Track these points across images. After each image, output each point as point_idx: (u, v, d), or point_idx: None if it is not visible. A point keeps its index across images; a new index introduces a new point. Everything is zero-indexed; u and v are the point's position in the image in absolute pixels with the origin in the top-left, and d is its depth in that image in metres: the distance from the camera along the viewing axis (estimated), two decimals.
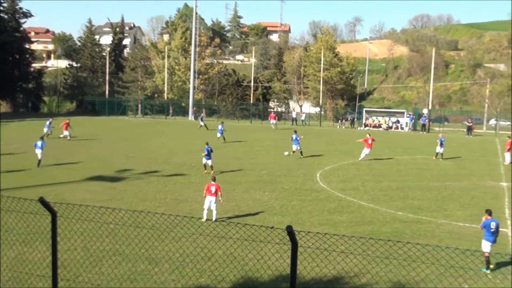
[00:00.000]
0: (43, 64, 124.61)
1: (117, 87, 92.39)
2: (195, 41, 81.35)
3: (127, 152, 38.78)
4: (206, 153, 29.96)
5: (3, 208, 13.94)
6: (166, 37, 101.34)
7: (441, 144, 38.45)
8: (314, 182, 28.27)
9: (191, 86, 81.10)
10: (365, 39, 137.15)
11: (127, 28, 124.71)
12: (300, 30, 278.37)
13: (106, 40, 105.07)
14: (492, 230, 14.85)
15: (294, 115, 77.82)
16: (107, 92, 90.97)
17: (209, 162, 30.00)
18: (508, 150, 37.44)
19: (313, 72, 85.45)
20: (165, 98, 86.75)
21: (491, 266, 14.62)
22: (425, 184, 28.62)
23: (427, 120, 68.28)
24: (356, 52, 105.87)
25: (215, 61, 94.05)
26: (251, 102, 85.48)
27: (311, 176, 29.96)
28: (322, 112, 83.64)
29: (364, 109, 77.07)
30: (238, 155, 38.78)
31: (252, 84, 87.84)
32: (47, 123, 47.67)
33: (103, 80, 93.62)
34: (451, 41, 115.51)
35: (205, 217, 18.89)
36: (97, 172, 29.77)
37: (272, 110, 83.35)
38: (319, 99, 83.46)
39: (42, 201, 7.86)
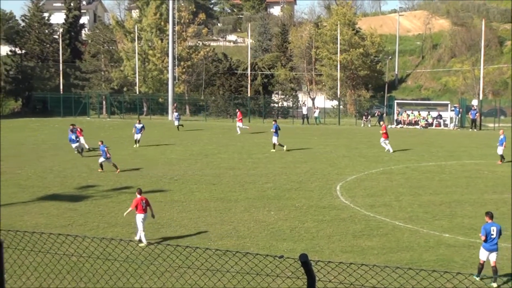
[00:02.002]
0: None
1: (75, 79, 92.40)
2: (173, 17, 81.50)
3: (90, 163, 38.87)
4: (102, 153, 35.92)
5: None
6: (135, 13, 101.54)
7: (502, 144, 39.01)
8: (333, 197, 28.36)
9: (170, 76, 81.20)
10: (394, 11, 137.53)
11: (84, 2, 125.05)
12: (309, 1, 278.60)
13: (58, 18, 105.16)
14: (492, 236, 15.29)
15: (304, 111, 77.64)
16: (61, 86, 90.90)
17: (108, 162, 35.72)
18: None
19: (328, 54, 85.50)
20: (137, 92, 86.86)
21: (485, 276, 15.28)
22: (478, 197, 28.72)
23: (477, 114, 68.48)
24: (382, 28, 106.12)
25: (200, 43, 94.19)
26: (249, 95, 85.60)
27: (329, 190, 30.06)
28: (341, 107, 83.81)
29: (395, 101, 77.18)
30: (233, 164, 38.89)
31: (249, 72, 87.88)
32: None
33: (55, 70, 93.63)
34: (505, 11, 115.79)
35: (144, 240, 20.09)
36: (52, 189, 29.83)
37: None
38: (337, 89, 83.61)
39: None
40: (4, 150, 45.79)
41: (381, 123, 52.67)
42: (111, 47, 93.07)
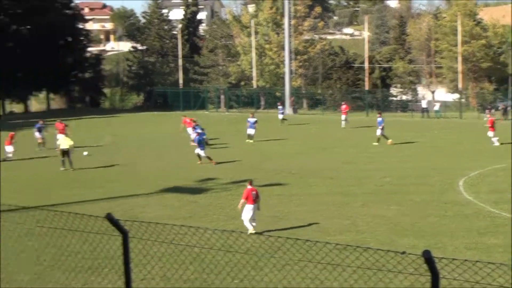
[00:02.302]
0: (101, 47, 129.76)
1: (193, 74, 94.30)
2: (289, 11, 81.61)
3: (209, 156, 39.60)
4: (197, 144, 36.79)
5: (64, 227, 14.65)
6: (251, 8, 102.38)
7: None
8: (456, 192, 27.64)
9: (286, 70, 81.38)
10: None
11: None
12: None
13: (176, 14, 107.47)
14: None
15: (424, 105, 76.18)
16: (181, 81, 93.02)
17: (202, 152, 36.43)
18: None
19: (448, 46, 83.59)
20: (254, 86, 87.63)
21: None
22: None
23: None
24: (505, 18, 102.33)
25: (317, 36, 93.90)
26: (366, 88, 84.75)
27: (452, 185, 29.30)
28: (463, 100, 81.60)
29: None
30: (350, 158, 38.65)
31: (366, 65, 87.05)
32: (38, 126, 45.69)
33: (175, 65, 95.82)
34: None
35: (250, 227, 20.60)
36: (173, 182, 30.63)
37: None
38: (458, 82, 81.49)
39: (110, 219, 8.03)
40: (126, 143, 47.48)
41: (488, 116, 51.29)
42: (228, 42, 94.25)
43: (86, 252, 16.53)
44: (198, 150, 36.97)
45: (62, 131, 44.14)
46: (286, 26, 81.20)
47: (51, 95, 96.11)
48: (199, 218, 22.77)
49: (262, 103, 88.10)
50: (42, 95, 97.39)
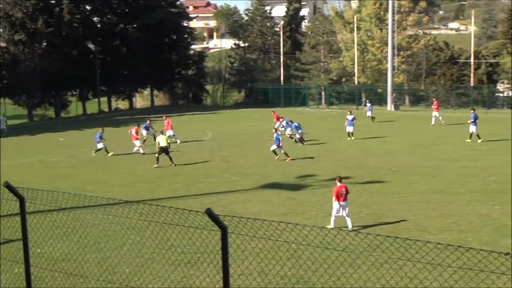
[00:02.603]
0: (204, 45, 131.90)
1: (294, 71, 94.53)
2: (393, 6, 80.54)
3: (308, 152, 39.63)
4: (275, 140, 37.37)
5: (165, 221, 14.98)
6: (354, 3, 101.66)
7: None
8: None
9: (389, 66, 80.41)
10: None
11: None
12: None
13: (279, 11, 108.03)
14: None
15: None
16: (282, 77, 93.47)
17: (278, 148, 37.09)
18: None
19: None
20: (356, 82, 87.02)
21: None
22: None
23: None
24: None
25: (421, 31, 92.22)
26: (472, 85, 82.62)
27: None
28: None
29: None
30: (454, 155, 37.77)
31: (472, 60, 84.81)
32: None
33: (276, 62, 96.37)
34: None
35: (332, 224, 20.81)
36: (272, 178, 30.83)
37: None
38: None
39: (210, 214, 8.14)
40: (227, 139, 48.12)
41: None
42: (330, 38, 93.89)
43: (185, 246, 16.85)
44: (274, 147, 37.42)
45: (169, 127, 45.66)
46: (389, 21, 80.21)
47: (155, 92, 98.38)
48: (297, 215, 22.84)
49: (363, 99, 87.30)
50: (147, 92, 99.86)
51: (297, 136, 44.19)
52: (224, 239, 8.40)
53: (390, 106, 78.20)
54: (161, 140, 36.19)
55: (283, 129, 46.24)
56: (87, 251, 18.44)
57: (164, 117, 48.94)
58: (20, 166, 37.92)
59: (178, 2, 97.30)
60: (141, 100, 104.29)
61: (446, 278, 14.65)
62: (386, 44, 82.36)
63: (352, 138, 46.23)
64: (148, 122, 47.20)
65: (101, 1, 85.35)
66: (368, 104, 64.68)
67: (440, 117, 56.17)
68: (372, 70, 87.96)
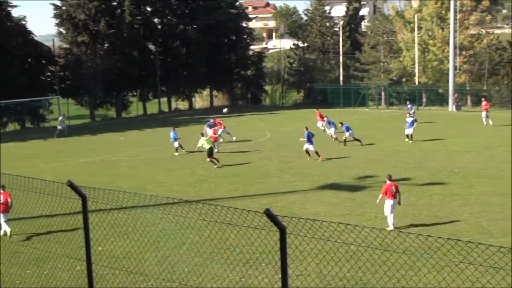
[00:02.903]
0: (263, 45, 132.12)
1: (354, 71, 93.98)
2: (455, 5, 79.35)
3: (367, 154, 39.34)
4: (306, 139, 37.23)
5: (224, 221, 15.07)
6: (415, 3, 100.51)
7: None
8: None
9: (450, 66, 79.26)
10: None
11: None
12: None
13: (338, 11, 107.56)
14: None
15: None
16: (341, 78, 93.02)
17: (311, 147, 36.96)
18: None
19: None
20: (416, 83, 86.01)
21: None
22: None
23: None
24: None
25: (483, 31, 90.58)
26: None
27: None
28: None
29: None
30: None
31: None
32: None
33: (336, 62, 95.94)
34: None
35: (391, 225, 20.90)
36: (331, 178, 30.73)
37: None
38: None
39: (269, 214, 8.25)
40: (285, 139, 48.09)
41: None
42: (390, 38, 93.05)
43: (244, 246, 16.92)
44: (307, 146, 37.39)
45: (221, 126, 45.99)
46: (451, 20, 79.08)
47: (214, 93, 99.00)
48: (356, 216, 22.72)
49: (424, 100, 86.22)
50: (206, 92, 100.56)
51: (347, 135, 43.52)
52: (282, 240, 8.47)
53: (451, 107, 77.15)
54: (204, 143, 37.11)
55: (323, 128, 46.81)
56: (146, 250, 18.69)
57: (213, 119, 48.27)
58: (82, 165, 38.69)
59: (238, 3, 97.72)
60: (200, 101, 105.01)
61: (509, 282, 14.36)
62: (448, 44, 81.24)
63: (411, 141, 45.26)
64: (211, 120, 46.92)
65: (162, 2, 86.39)
66: (410, 105, 61.81)
67: (484, 118, 55.06)
68: (433, 70, 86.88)
